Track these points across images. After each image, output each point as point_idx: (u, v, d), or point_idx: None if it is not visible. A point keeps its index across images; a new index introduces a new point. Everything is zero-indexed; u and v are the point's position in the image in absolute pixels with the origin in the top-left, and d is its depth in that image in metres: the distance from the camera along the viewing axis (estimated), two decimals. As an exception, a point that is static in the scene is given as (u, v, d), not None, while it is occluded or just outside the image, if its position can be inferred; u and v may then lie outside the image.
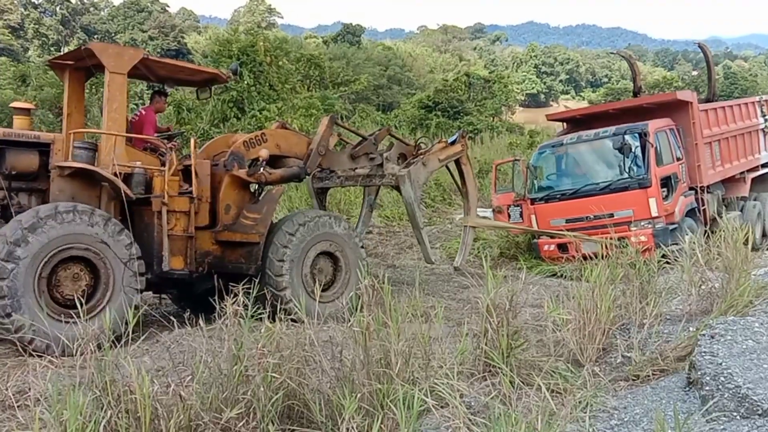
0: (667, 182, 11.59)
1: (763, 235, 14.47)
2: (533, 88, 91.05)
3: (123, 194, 7.22)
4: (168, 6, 71.53)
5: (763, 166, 15.05)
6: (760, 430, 3.79)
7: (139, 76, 8.84)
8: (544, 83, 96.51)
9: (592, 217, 11.47)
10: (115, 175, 7.28)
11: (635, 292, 6.12)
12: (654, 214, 11.26)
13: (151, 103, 8.94)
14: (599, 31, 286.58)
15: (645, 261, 6.53)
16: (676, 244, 9.69)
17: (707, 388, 4.31)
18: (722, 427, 3.93)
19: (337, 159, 9.77)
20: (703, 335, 4.94)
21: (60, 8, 70.01)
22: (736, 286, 6.08)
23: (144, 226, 7.58)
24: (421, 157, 10.07)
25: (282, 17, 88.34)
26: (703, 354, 4.61)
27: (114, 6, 73.46)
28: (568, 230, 11.47)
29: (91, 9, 74.63)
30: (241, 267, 8.07)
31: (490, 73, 53.42)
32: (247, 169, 8.48)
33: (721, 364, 4.41)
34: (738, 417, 4.01)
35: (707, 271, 6.48)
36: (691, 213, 12.12)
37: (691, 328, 5.61)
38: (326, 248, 8.48)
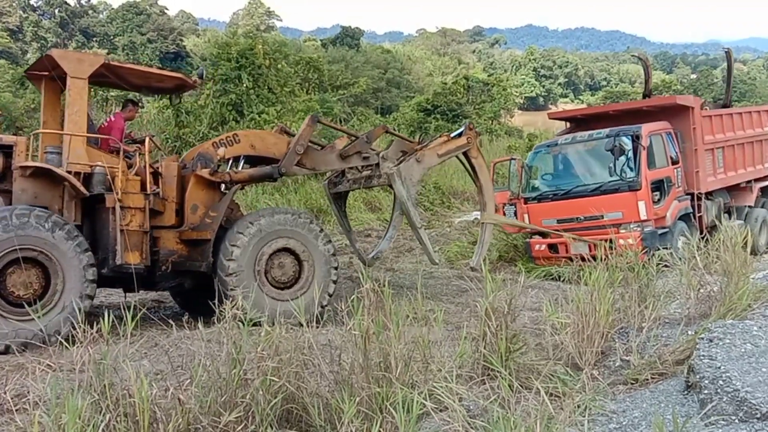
0: (659, 186, 11.54)
1: None
2: (532, 91, 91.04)
3: (79, 191, 7.56)
4: (167, 9, 71.50)
5: None
6: (758, 434, 3.80)
7: (109, 83, 9.02)
8: (543, 86, 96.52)
9: (582, 218, 11.49)
10: (75, 174, 7.57)
11: (634, 295, 6.12)
12: (643, 217, 11.20)
13: (123, 110, 9.16)
14: (598, 34, 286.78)
15: (643, 265, 6.53)
16: (667, 248, 9.67)
17: (706, 391, 4.31)
18: (721, 430, 3.93)
19: (323, 158, 9.43)
20: (702, 339, 4.94)
21: (59, 11, 69.96)
22: (734, 290, 6.08)
23: (102, 222, 7.82)
24: (415, 153, 9.62)
25: (281, 20, 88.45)
26: (702, 357, 4.61)
27: (113, 9, 73.41)
28: (558, 231, 11.48)
29: (90, 12, 74.54)
30: (195, 264, 8.22)
31: (488, 76, 53.52)
32: (209, 169, 8.47)
33: (719, 367, 4.42)
34: (736, 420, 4.01)
35: (706, 275, 6.48)
36: (686, 218, 12.06)
37: (689, 332, 5.61)
38: (284, 245, 8.39)
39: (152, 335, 6.71)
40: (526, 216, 12.39)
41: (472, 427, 3.88)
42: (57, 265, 7.12)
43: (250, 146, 8.92)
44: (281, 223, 8.41)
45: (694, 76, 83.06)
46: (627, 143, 11.33)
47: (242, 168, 8.90)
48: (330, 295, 8.44)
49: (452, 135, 10.26)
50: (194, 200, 8.38)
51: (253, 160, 9.15)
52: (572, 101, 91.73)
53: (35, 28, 66.10)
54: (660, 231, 11.29)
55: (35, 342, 6.31)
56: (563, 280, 9.65)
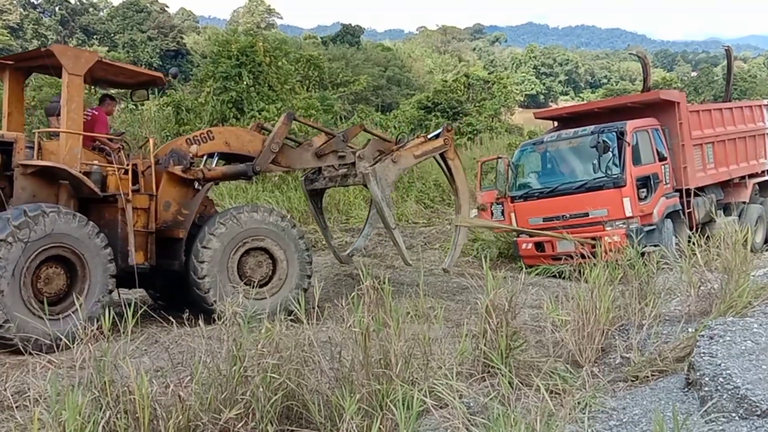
0: (646, 182, 11.42)
1: (766, 240, 14.07)
2: (532, 88, 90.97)
3: (83, 190, 7.51)
4: (167, 6, 71.36)
5: None
6: (758, 431, 3.80)
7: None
8: (543, 84, 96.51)
9: (568, 216, 11.45)
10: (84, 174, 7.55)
11: (634, 292, 6.12)
12: (628, 214, 11.08)
13: (101, 105, 9.02)
14: (598, 32, 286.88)
15: (644, 262, 6.53)
16: (655, 245, 9.61)
17: (706, 388, 4.31)
18: (721, 427, 3.94)
19: (299, 157, 9.34)
20: (702, 336, 4.94)
21: (59, 8, 69.93)
22: (735, 287, 6.08)
23: (104, 222, 7.74)
24: (392, 153, 9.51)
25: (281, 18, 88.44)
26: (702, 355, 4.61)
27: (113, 6, 73.37)
28: (545, 229, 11.45)
29: (90, 9, 74.44)
30: (167, 263, 8.16)
31: (489, 73, 53.39)
32: (181, 166, 8.41)
33: (720, 364, 4.42)
34: (737, 418, 4.01)
35: (706, 272, 6.48)
36: (675, 215, 11.94)
37: (690, 329, 5.61)
38: (257, 245, 8.33)
39: (152, 332, 6.73)
40: (513, 215, 12.32)
41: (472, 424, 3.88)
42: (84, 262, 7.20)
43: (225, 143, 8.85)
44: (253, 221, 8.33)
45: (694, 74, 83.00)
46: (611, 140, 11.22)
47: (216, 165, 8.86)
48: (305, 290, 8.34)
49: (429, 136, 10.21)
50: (167, 197, 8.32)
51: (234, 158, 9.10)
52: (573, 99, 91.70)
53: (36, 26, 66.01)
54: (647, 228, 11.13)
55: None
56: (564, 278, 9.67)
